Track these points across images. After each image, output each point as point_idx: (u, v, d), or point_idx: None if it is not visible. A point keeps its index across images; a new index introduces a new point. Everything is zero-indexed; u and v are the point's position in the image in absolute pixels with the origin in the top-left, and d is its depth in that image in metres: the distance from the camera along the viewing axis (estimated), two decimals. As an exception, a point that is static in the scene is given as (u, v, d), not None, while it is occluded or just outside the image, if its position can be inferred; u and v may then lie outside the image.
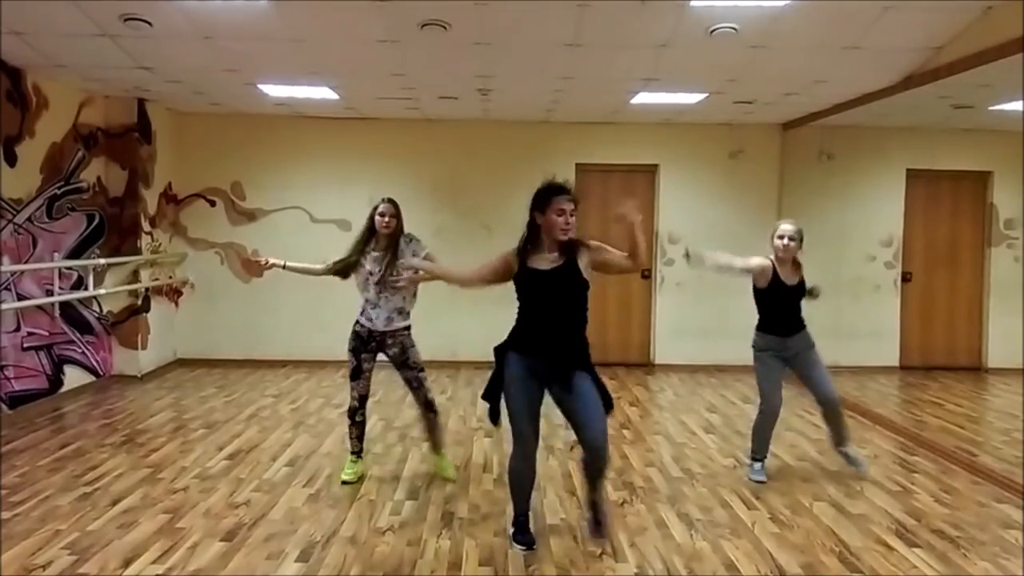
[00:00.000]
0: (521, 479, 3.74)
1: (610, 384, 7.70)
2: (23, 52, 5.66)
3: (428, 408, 4.67)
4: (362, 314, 4.58)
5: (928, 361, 8.68)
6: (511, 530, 3.80)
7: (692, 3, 4.51)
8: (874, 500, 4.47)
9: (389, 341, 4.56)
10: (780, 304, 4.71)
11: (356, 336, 4.60)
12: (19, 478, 4.65)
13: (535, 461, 3.71)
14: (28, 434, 5.63)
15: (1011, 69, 4.70)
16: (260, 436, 5.67)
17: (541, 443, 5.57)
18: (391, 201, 4.54)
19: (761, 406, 4.84)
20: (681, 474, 4.92)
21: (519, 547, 3.70)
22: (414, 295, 4.65)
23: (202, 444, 5.44)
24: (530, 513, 3.84)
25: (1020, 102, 6.61)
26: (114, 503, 4.24)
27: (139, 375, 7.62)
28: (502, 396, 3.64)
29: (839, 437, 4.91)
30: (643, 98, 7.01)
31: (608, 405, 3.57)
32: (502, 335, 3.68)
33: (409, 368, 4.60)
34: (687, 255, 4.85)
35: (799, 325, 4.77)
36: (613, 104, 7.42)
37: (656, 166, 8.69)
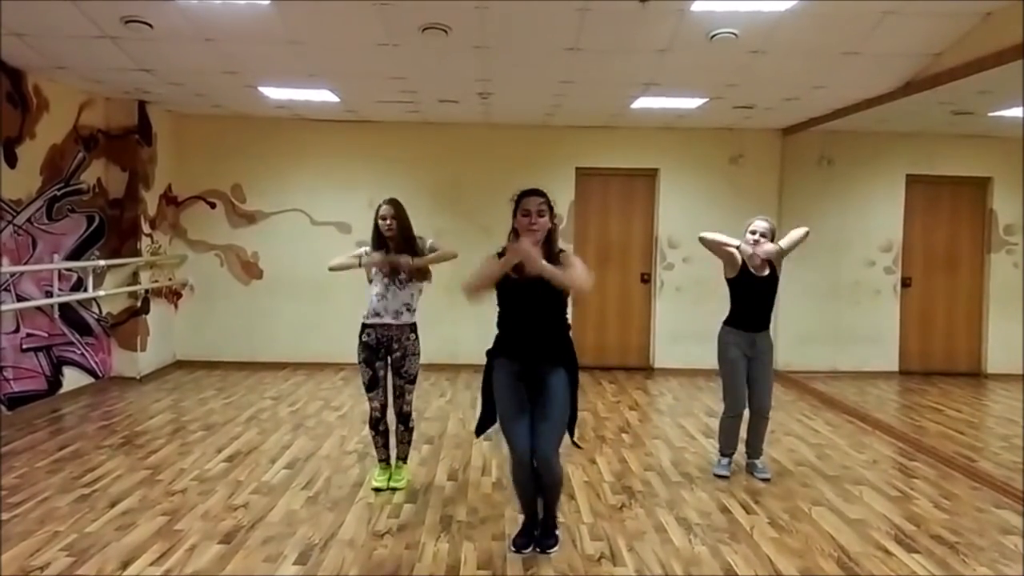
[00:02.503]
0: (521, 487, 3.72)
1: (609, 388, 7.77)
2: (24, 53, 5.67)
3: (401, 420, 4.63)
4: (371, 312, 4.49)
5: (928, 366, 8.68)
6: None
7: (692, 8, 4.51)
8: (873, 505, 4.47)
9: (395, 345, 4.50)
10: (748, 295, 4.80)
11: (365, 347, 4.52)
12: (18, 479, 4.64)
13: (531, 467, 3.60)
14: (27, 435, 5.62)
15: (1011, 75, 4.71)
16: (259, 438, 5.66)
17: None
18: (391, 202, 4.48)
19: (728, 409, 4.92)
20: (680, 478, 4.91)
21: (512, 548, 3.71)
22: (420, 291, 4.60)
23: (201, 446, 5.44)
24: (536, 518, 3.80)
25: (1020, 108, 6.62)
26: (112, 505, 4.23)
27: (138, 377, 7.62)
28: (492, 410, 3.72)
29: (753, 449, 5.01)
30: (643, 103, 7.02)
31: (571, 418, 3.66)
32: None
33: (400, 376, 4.55)
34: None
35: (765, 322, 4.86)
36: (613, 108, 7.43)
37: (656, 170, 8.70)
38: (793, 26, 4.77)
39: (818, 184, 8.46)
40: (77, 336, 7.06)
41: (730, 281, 4.87)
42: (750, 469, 4.99)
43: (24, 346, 6.35)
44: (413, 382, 4.59)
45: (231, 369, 8.26)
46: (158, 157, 7.91)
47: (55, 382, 6.72)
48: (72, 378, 6.95)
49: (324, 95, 6.99)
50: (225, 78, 6.36)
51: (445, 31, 4.93)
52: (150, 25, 4.89)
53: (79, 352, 7.10)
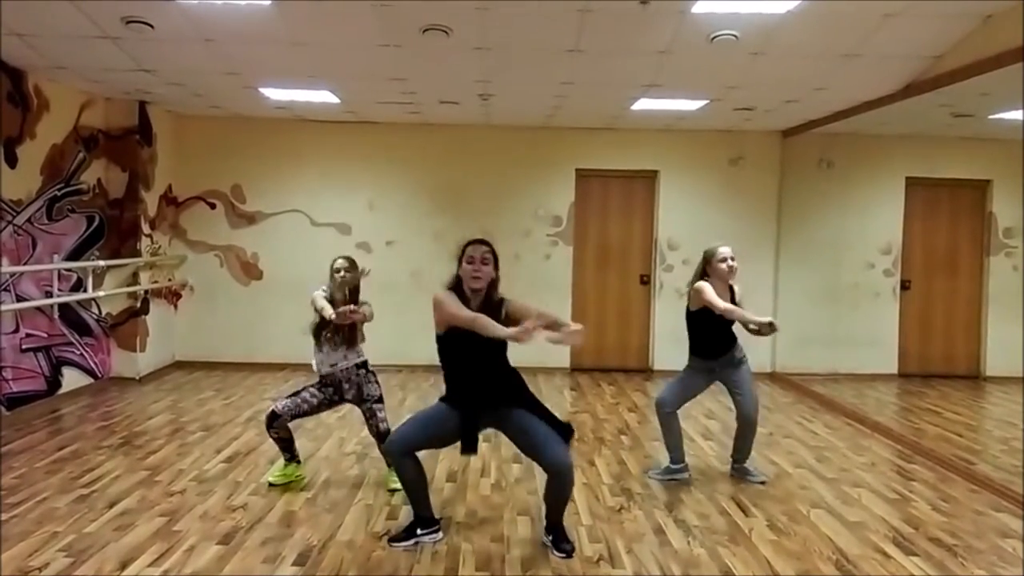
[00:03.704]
0: (419, 478, 3.84)
1: (608, 390, 7.76)
2: (25, 53, 5.67)
3: (381, 440, 4.57)
4: (315, 364, 4.55)
5: (926, 369, 8.69)
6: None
7: (693, 10, 4.52)
8: (872, 508, 4.47)
9: (346, 386, 4.53)
10: (710, 326, 4.73)
11: (320, 378, 4.58)
12: (17, 479, 4.64)
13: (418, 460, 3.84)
14: (26, 436, 5.62)
15: (1010, 78, 4.72)
16: (258, 439, 5.66)
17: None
18: (347, 259, 4.57)
19: (663, 409, 4.90)
20: (679, 480, 4.91)
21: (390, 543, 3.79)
22: (362, 336, 4.61)
23: (200, 447, 5.44)
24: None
25: (1019, 111, 6.63)
26: (111, 505, 4.23)
27: (137, 377, 7.62)
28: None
29: (742, 454, 4.98)
30: (644, 104, 7.02)
31: (567, 432, 3.67)
32: None
33: (364, 400, 4.55)
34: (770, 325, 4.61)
35: (727, 346, 4.80)
36: (614, 110, 7.43)
37: (656, 172, 8.70)
38: (794, 28, 4.78)
39: (818, 186, 8.47)
40: (76, 336, 7.06)
41: (693, 313, 4.77)
42: (742, 474, 4.96)
43: (23, 346, 6.35)
44: (380, 401, 4.58)
45: (230, 370, 8.26)
46: (158, 157, 7.91)
47: (54, 382, 6.72)
48: (71, 378, 6.95)
49: (324, 96, 6.99)
50: (225, 79, 6.36)
51: (446, 32, 4.93)
52: (151, 25, 4.90)
53: (78, 352, 7.09)
